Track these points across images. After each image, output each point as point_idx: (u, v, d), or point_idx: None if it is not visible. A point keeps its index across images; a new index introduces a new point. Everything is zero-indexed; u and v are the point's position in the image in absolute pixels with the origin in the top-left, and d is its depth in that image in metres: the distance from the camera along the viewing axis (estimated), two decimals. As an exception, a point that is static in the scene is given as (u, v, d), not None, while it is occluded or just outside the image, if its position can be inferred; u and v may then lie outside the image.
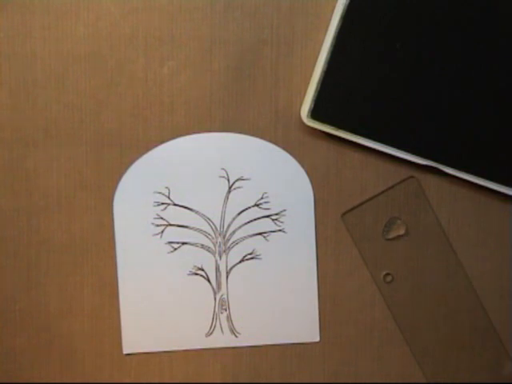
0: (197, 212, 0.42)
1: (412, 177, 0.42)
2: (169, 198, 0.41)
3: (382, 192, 0.42)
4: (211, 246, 0.42)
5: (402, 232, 0.42)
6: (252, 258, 0.42)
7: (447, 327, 0.43)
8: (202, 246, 0.42)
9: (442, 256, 0.43)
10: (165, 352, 0.42)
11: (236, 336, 0.42)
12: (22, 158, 0.41)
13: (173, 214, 0.42)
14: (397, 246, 0.42)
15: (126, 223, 0.41)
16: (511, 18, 0.40)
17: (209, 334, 0.42)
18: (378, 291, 0.43)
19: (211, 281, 0.42)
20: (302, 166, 0.42)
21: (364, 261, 0.42)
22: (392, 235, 0.42)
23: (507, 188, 0.41)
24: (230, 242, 0.42)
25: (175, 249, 0.42)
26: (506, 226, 0.43)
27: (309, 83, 0.40)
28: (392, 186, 0.41)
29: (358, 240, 0.42)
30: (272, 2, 0.41)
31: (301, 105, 0.41)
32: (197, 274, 0.42)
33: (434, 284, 0.43)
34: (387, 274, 0.42)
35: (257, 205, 0.42)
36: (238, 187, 0.42)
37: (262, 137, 0.42)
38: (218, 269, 0.42)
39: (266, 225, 0.42)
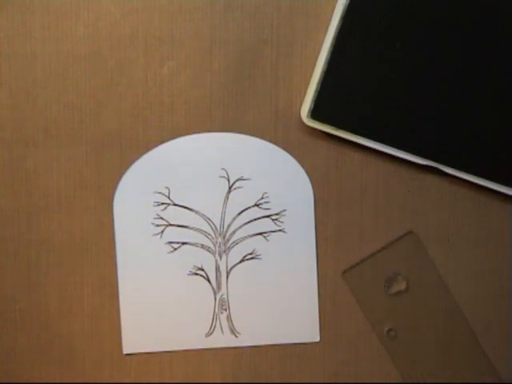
0: (197, 212, 0.42)
1: (411, 232, 0.42)
2: (169, 198, 0.41)
3: (382, 249, 0.42)
4: (211, 246, 0.42)
5: (403, 287, 0.42)
6: (252, 258, 0.42)
7: (451, 376, 0.43)
8: (202, 246, 0.42)
9: (444, 309, 0.43)
10: (165, 352, 0.42)
11: (236, 336, 0.42)
12: (22, 157, 0.41)
13: (173, 214, 0.42)
14: (399, 302, 0.42)
15: (126, 223, 0.41)
16: (511, 18, 0.40)
17: (209, 334, 0.42)
18: (378, 291, 0.43)
19: (211, 281, 0.42)
20: (302, 166, 0.42)
21: (367, 318, 0.42)
22: (393, 290, 0.42)
23: (507, 188, 0.41)
24: (230, 242, 0.42)
25: (175, 249, 0.42)
26: (506, 226, 0.43)
27: (309, 83, 0.40)
28: (391, 242, 0.41)
29: (361, 297, 0.42)
30: (272, 2, 0.41)
31: (301, 105, 0.41)
32: (197, 274, 0.42)
33: (436, 339, 0.43)
34: (390, 330, 0.42)
35: (257, 205, 0.42)
36: (238, 187, 0.42)
37: (262, 137, 0.42)
38: (218, 269, 0.42)
39: (266, 225, 0.42)
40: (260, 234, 0.42)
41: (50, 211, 0.41)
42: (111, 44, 0.40)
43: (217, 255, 0.42)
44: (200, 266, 0.42)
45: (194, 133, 0.41)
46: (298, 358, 0.43)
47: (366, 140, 0.41)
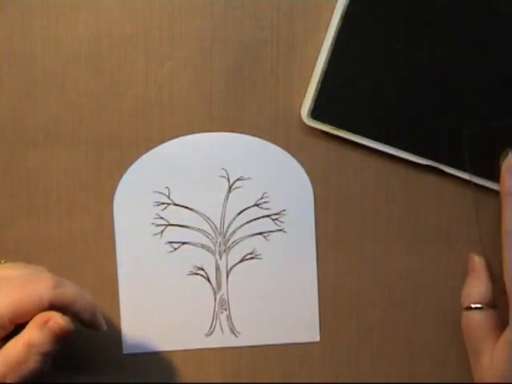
0: (197, 212, 0.42)
1: None
2: (169, 197, 0.41)
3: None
4: (211, 245, 0.42)
5: None
6: (252, 258, 0.42)
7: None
8: (202, 246, 0.42)
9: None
10: (165, 352, 0.42)
11: (236, 336, 0.42)
12: (22, 158, 0.41)
13: (173, 214, 0.42)
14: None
15: (126, 223, 0.41)
16: (511, 18, 0.40)
17: (209, 334, 0.42)
18: (377, 291, 0.43)
19: (211, 281, 0.42)
20: (302, 165, 0.42)
21: None
22: None
23: (507, 188, 0.41)
24: (230, 241, 0.42)
25: (175, 249, 0.42)
26: (505, 226, 0.43)
27: (309, 83, 0.40)
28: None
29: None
30: (272, 2, 0.41)
31: (301, 105, 0.41)
32: (197, 274, 0.42)
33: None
34: None
35: (257, 204, 0.42)
36: (238, 187, 0.42)
37: (262, 137, 0.42)
38: (218, 268, 0.42)
39: (266, 224, 0.42)
40: (260, 233, 0.42)
41: (50, 211, 0.41)
42: (111, 44, 0.40)
43: (217, 255, 0.42)
44: (200, 266, 0.42)
45: (194, 133, 0.41)
46: (298, 358, 0.43)
47: (366, 140, 0.41)
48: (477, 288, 0.41)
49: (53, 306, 0.34)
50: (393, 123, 0.41)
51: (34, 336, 0.33)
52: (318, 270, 0.42)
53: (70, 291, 0.35)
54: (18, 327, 0.33)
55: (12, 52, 0.40)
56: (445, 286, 0.43)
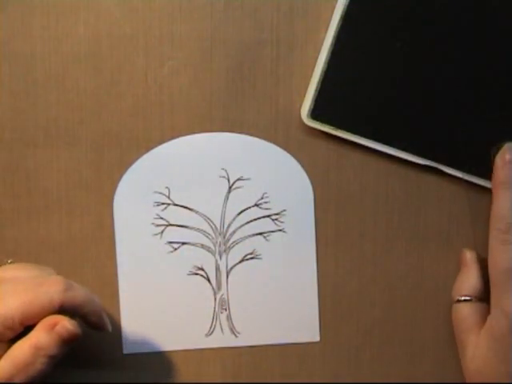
0: (197, 212, 0.42)
1: None
2: (169, 197, 0.41)
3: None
4: (211, 245, 0.42)
5: None
6: (252, 258, 0.42)
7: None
8: (202, 246, 0.42)
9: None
10: (165, 352, 0.42)
11: (236, 336, 0.42)
12: (22, 158, 0.41)
13: (173, 214, 0.42)
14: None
15: (126, 223, 0.41)
16: (511, 18, 0.40)
17: (209, 334, 0.42)
18: (377, 291, 0.43)
19: (211, 281, 0.42)
20: (302, 166, 0.42)
21: None
22: None
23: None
24: (230, 241, 0.42)
25: (175, 249, 0.42)
26: (505, 226, 0.43)
27: (309, 83, 0.40)
28: None
29: None
30: (272, 2, 0.41)
31: (301, 105, 0.41)
32: (197, 274, 0.42)
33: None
34: None
35: (257, 205, 0.42)
36: (238, 187, 0.42)
37: (262, 137, 0.42)
38: (218, 269, 0.42)
39: (266, 225, 0.42)
40: (260, 233, 0.42)
41: (50, 211, 0.41)
42: (111, 44, 0.40)
43: (217, 255, 0.42)
44: (200, 266, 0.42)
45: (194, 133, 0.41)
46: (298, 358, 0.43)
47: (366, 140, 0.41)
48: (467, 281, 0.41)
49: (62, 309, 0.34)
50: (392, 123, 0.41)
51: (41, 339, 0.33)
52: (317, 270, 0.42)
53: (79, 294, 0.35)
54: (26, 328, 0.34)
55: (12, 52, 0.40)
56: (445, 286, 0.43)
